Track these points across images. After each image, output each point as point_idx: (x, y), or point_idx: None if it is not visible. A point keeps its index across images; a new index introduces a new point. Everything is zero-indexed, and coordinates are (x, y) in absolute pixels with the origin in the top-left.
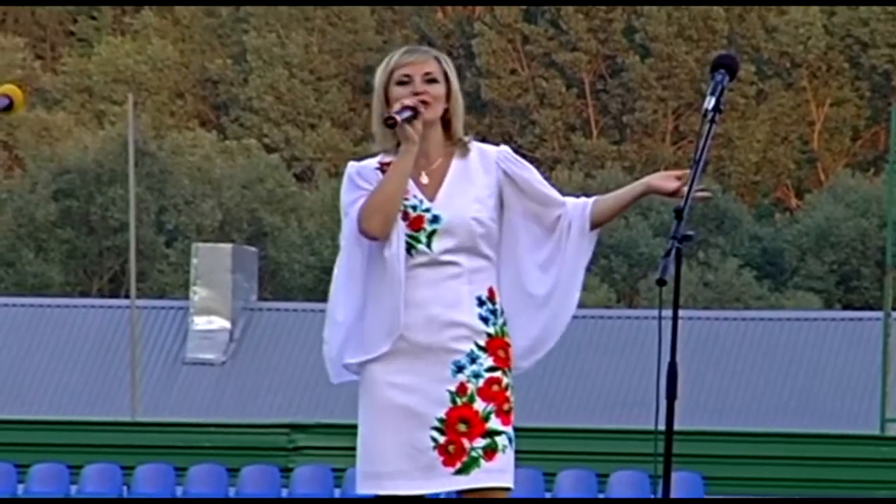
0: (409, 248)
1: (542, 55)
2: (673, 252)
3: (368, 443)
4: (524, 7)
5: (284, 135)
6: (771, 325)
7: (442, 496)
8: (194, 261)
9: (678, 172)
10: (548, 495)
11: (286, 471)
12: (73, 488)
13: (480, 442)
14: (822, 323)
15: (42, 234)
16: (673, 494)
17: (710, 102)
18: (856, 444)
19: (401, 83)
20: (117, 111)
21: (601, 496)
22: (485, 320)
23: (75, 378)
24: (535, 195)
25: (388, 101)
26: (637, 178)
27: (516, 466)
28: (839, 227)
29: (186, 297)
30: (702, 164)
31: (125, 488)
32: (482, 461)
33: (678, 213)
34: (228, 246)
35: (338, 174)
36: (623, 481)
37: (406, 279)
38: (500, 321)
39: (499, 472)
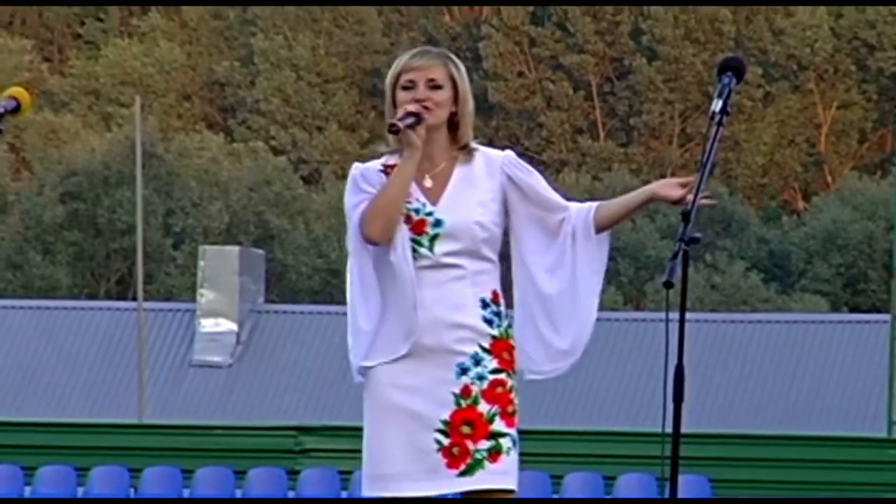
0: (412, 252)
1: (549, 58)
2: (680, 254)
3: (373, 445)
4: (531, 9)
5: (291, 137)
6: (778, 327)
7: (448, 497)
8: (201, 263)
9: (683, 180)
10: (555, 497)
11: (293, 473)
12: (80, 490)
13: (485, 444)
14: (829, 325)
15: (49, 236)
16: (680, 497)
17: (717, 105)
18: (863, 446)
19: (405, 88)
20: (124, 113)
21: (608, 498)
22: (489, 322)
23: (82, 380)
24: (538, 200)
25: (395, 105)
26: (645, 181)
27: (523, 468)
28: (846, 229)
29: (193, 300)
30: (709, 166)
31: (132, 490)
32: (486, 463)
33: (685, 215)
34: (235, 248)
35: (345, 176)
36: (630, 484)
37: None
38: (505, 323)
39: (503, 474)
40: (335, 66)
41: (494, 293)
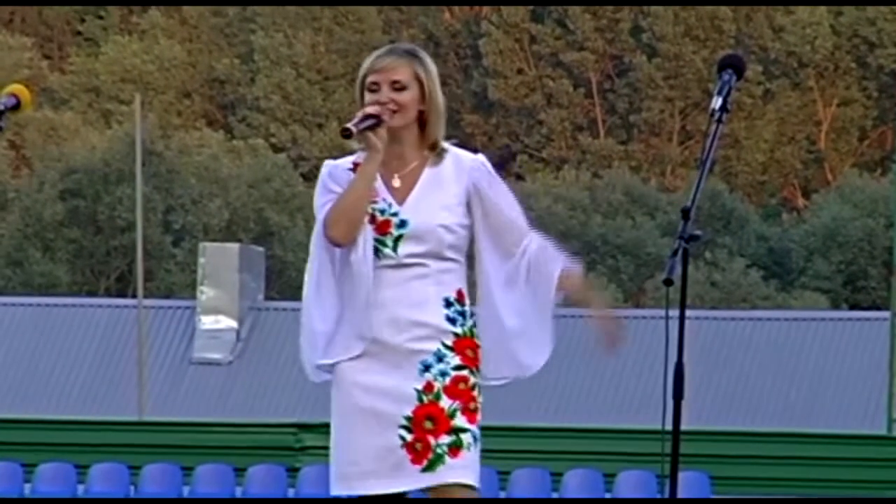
0: (376, 252)
1: (549, 55)
2: (680, 252)
3: (339, 444)
4: (531, 7)
5: (291, 134)
6: (778, 325)
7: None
8: (201, 260)
9: (620, 330)
10: (554, 495)
11: (293, 470)
12: (80, 488)
13: (445, 439)
14: (829, 323)
15: (49, 233)
16: (680, 494)
17: (717, 102)
18: (863, 444)
19: (370, 90)
20: (124, 111)
21: (608, 496)
22: (452, 321)
23: (82, 377)
24: (498, 222)
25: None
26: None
27: (524, 465)
28: (846, 227)
29: (193, 297)
30: (709, 163)
31: (132, 488)
32: (447, 458)
33: (685, 212)
34: (235, 245)
35: None
36: (630, 481)
37: (373, 280)
38: (470, 323)
39: (462, 469)
40: (335, 63)
41: (459, 292)
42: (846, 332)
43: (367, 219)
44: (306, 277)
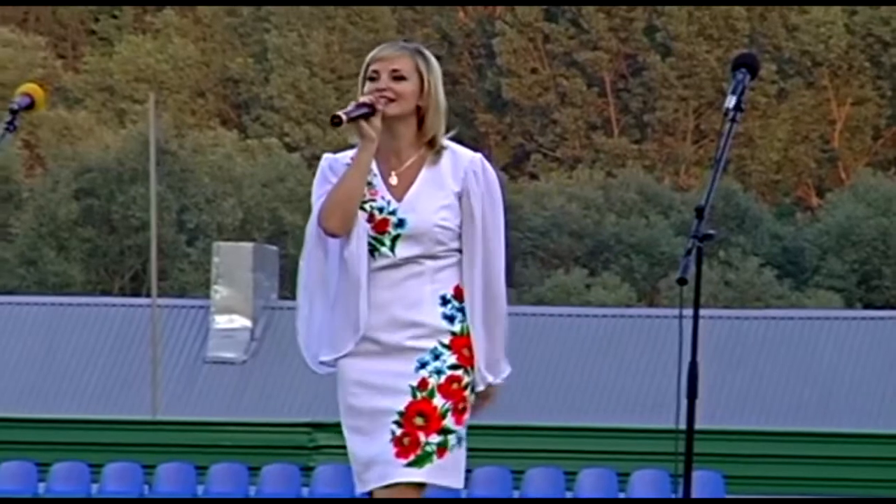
0: (373, 251)
1: (563, 54)
2: (694, 251)
3: (350, 443)
4: (545, 6)
5: (305, 133)
6: (791, 324)
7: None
8: (215, 259)
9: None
10: (569, 494)
11: (307, 469)
12: (95, 487)
13: (435, 438)
14: (843, 322)
15: (63, 232)
16: (694, 493)
17: (731, 101)
18: (876, 443)
19: (370, 79)
20: (138, 110)
21: (622, 495)
22: (449, 319)
23: (96, 377)
24: (470, 230)
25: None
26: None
27: (537, 464)
28: (860, 226)
29: (207, 296)
30: (723, 163)
31: (146, 487)
32: (435, 457)
33: (699, 211)
34: (249, 245)
35: None
36: (644, 480)
37: (369, 281)
38: (467, 320)
39: (448, 470)
40: (349, 62)
41: (457, 289)
42: (860, 332)
43: (364, 216)
44: (301, 263)
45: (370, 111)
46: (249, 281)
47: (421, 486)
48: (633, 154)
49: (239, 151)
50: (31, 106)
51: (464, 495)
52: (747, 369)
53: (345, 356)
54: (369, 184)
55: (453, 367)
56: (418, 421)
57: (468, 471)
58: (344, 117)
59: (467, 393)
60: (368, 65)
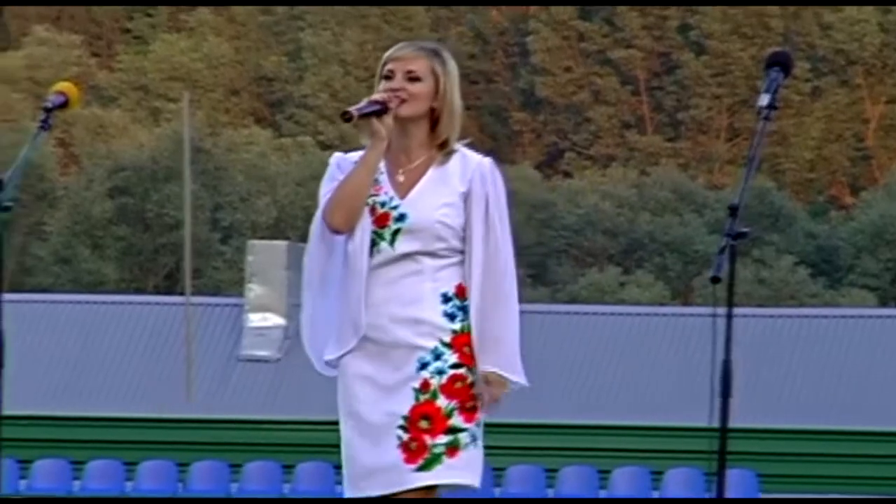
0: (372, 246)
1: (596, 52)
2: (727, 249)
3: (345, 446)
4: (579, 5)
5: (339, 132)
6: (826, 322)
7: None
8: (249, 258)
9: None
10: (602, 493)
11: (341, 468)
12: (129, 485)
13: (443, 439)
14: (878, 320)
15: (98, 231)
16: (728, 492)
17: (764, 99)
18: None
19: (386, 78)
20: (173, 108)
21: (655, 494)
22: (451, 317)
23: (130, 375)
24: (476, 226)
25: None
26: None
27: (571, 463)
28: (894, 224)
29: (241, 295)
30: (756, 161)
31: (180, 485)
32: (444, 458)
33: (732, 209)
34: (283, 243)
35: None
36: (678, 478)
37: (367, 279)
38: (469, 318)
39: (461, 469)
40: None
41: (459, 287)
42: (894, 330)
43: (367, 210)
44: (304, 258)
45: (382, 109)
46: (283, 279)
47: (432, 488)
48: (666, 152)
49: (273, 150)
50: (65, 104)
51: (497, 494)
52: (781, 368)
53: (347, 354)
54: (376, 180)
55: (455, 366)
56: (423, 424)
57: (501, 469)
58: (355, 113)
59: (474, 391)
60: (385, 63)
